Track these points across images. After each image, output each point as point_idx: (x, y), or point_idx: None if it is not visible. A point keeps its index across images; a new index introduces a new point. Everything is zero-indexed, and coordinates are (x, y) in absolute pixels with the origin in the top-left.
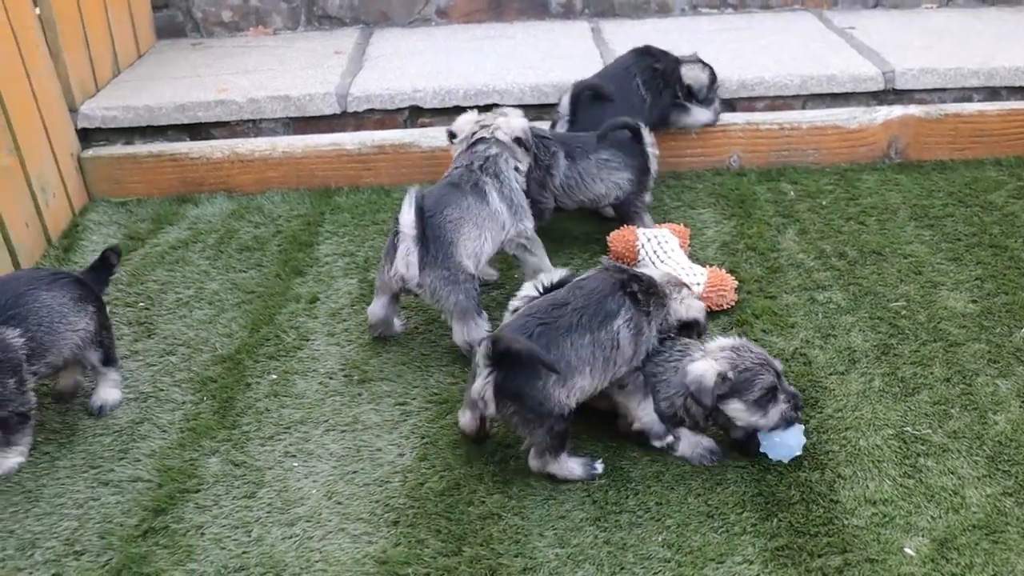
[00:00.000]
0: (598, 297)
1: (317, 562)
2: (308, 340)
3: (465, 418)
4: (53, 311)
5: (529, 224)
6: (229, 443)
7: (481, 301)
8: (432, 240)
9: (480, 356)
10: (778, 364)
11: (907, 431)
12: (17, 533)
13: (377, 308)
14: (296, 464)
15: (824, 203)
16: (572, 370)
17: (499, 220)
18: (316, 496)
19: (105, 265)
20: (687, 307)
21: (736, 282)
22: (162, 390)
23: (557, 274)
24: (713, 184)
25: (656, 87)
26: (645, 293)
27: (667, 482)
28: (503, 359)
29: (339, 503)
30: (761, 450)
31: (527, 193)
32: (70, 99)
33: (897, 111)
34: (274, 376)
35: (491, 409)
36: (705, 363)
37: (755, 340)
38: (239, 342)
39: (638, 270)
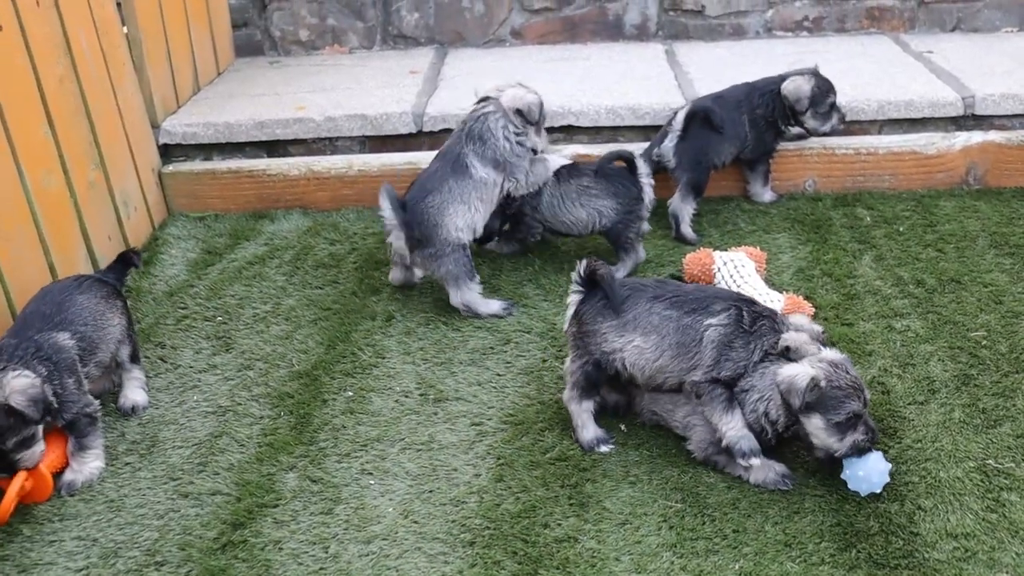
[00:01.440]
0: (708, 295)
1: None
2: (384, 358)
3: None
4: (92, 311)
5: (521, 177)
6: (306, 459)
7: (473, 265)
8: (416, 225)
9: (575, 274)
10: (868, 394)
11: (989, 464)
12: (100, 542)
13: (396, 274)
14: (372, 482)
15: (901, 229)
16: (633, 326)
17: (487, 185)
18: (392, 514)
19: (124, 263)
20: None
21: (813, 308)
22: (240, 404)
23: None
24: (788, 208)
25: (759, 127)
26: (753, 316)
27: (744, 510)
28: (592, 284)
29: (415, 522)
30: (842, 476)
31: (521, 209)
32: (152, 115)
33: (977, 137)
34: (350, 393)
35: (565, 325)
36: (801, 366)
37: None
38: (315, 358)
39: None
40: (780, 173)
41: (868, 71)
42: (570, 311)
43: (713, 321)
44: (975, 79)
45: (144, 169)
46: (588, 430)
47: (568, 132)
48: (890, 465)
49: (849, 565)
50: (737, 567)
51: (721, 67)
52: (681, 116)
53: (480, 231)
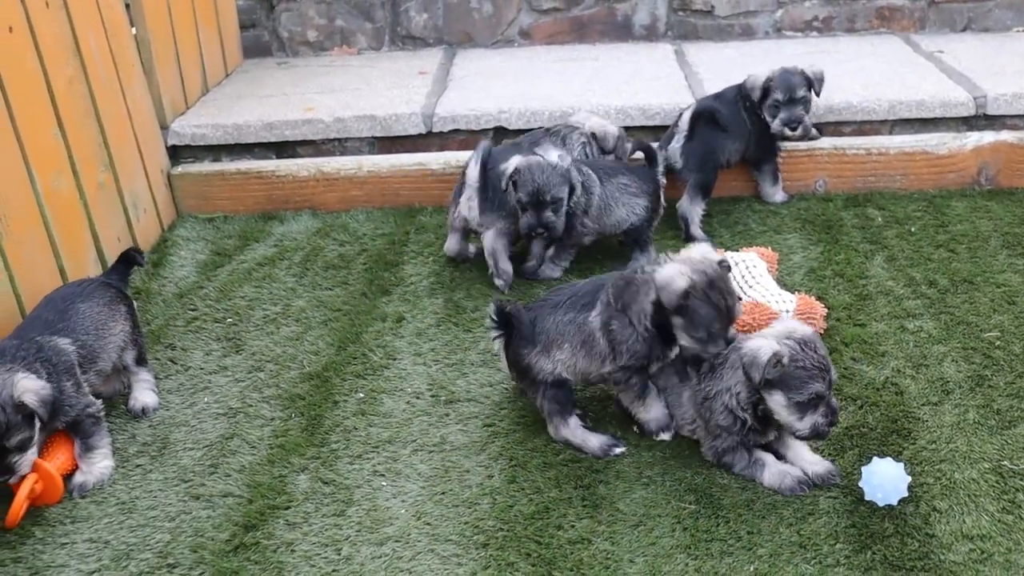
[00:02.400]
0: (597, 287)
1: None
2: (395, 359)
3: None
4: (94, 320)
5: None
6: (318, 460)
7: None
8: (491, 189)
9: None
10: (835, 374)
11: (1004, 465)
12: (112, 544)
13: (452, 243)
14: (385, 483)
15: (913, 230)
16: (551, 342)
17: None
18: (405, 516)
19: (128, 263)
20: (665, 275)
21: (825, 309)
22: (251, 406)
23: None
24: (799, 209)
25: (756, 124)
26: (621, 290)
27: (758, 511)
28: (505, 323)
29: (428, 524)
30: (860, 484)
31: (570, 221)
32: (161, 117)
33: (988, 137)
34: (361, 395)
35: (503, 364)
36: (766, 341)
37: (844, 368)
38: (326, 360)
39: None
40: (791, 173)
41: (879, 71)
42: (502, 356)
43: (593, 313)
44: (986, 79)
45: (153, 171)
46: (591, 441)
47: None
48: (908, 478)
49: (864, 567)
50: (752, 569)
51: (731, 67)
52: (687, 117)
53: None
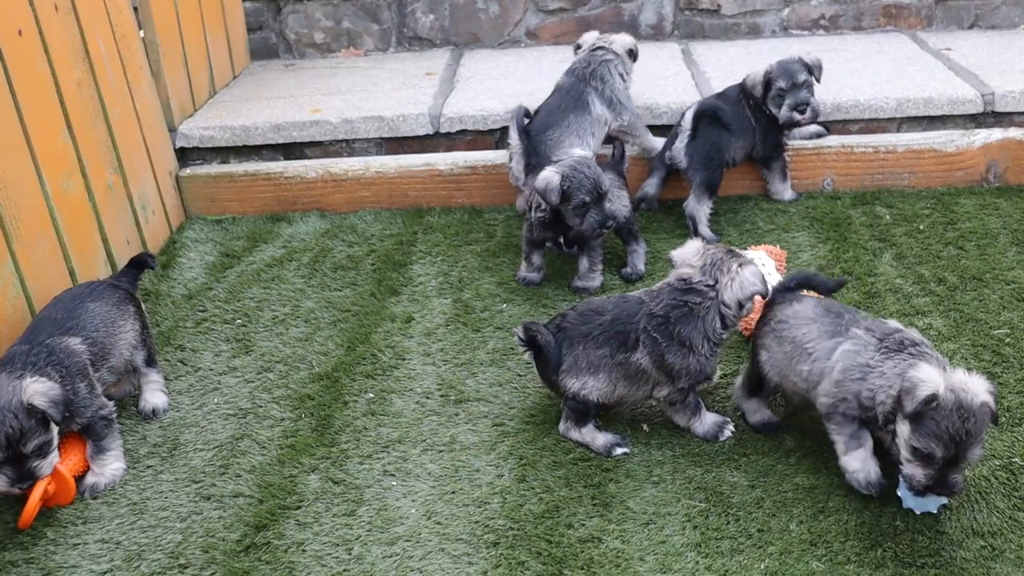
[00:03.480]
0: (624, 322)
1: None
2: (404, 359)
3: None
4: (104, 318)
5: (627, 117)
6: (328, 461)
7: None
8: (534, 154)
9: (516, 332)
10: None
11: (1015, 462)
12: (124, 544)
13: (521, 202)
14: (395, 483)
15: (921, 227)
16: (581, 370)
17: (602, 121)
18: (415, 516)
19: (138, 266)
20: (740, 285)
21: None
22: (260, 406)
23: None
24: (807, 207)
25: (762, 121)
26: (664, 326)
27: (768, 509)
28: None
29: (438, 523)
30: (898, 493)
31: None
32: (169, 119)
33: (997, 134)
34: (371, 395)
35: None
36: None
37: None
38: (335, 360)
39: (665, 287)
40: (798, 171)
41: (886, 69)
42: (529, 357)
43: (637, 355)
44: (994, 76)
45: (161, 173)
46: (598, 440)
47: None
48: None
49: (876, 564)
50: (763, 566)
51: (738, 66)
52: (689, 116)
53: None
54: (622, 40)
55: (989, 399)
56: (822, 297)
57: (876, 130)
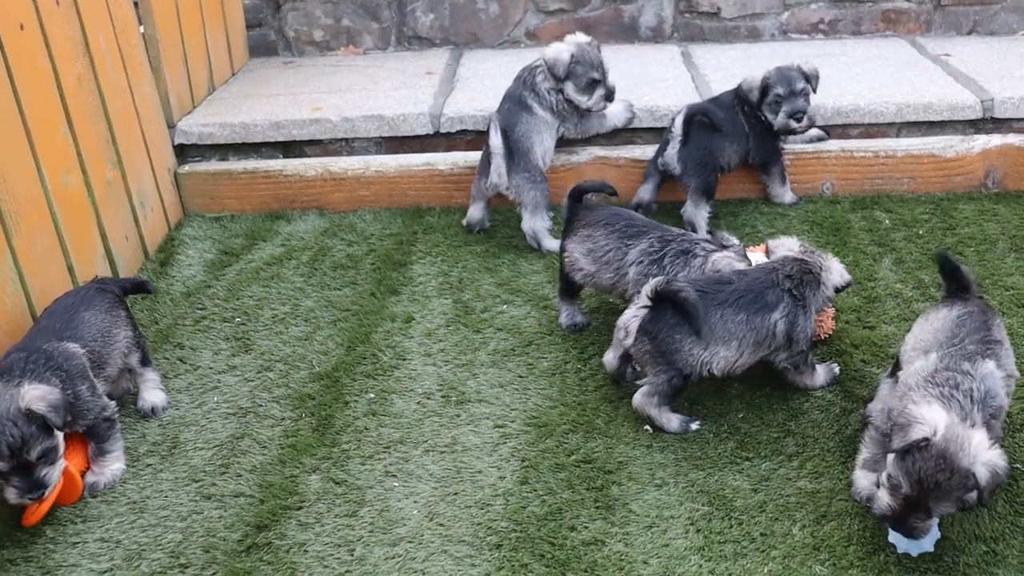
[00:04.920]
0: (760, 287)
1: None
2: (405, 359)
3: (608, 357)
4: (99, 328)
5: (570, 126)
6: (329, 461)
7: (550, 200)
8: (515, 152)
9: (644, 290)
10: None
11: (1017, 467)
12: (124, 544)
13: (475, 212)
14: (396, 484)
15: (920, 232)
16: (716, 338)
17: (547, 123)
18: (417, 517)
19: (137, 287)
20: (840, 272)
21: (834, 311)
22: (261, 406)
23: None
24: (806, 211)
25: (755, 127)
26: (799, 286)
27: (771, 513)
28: (662, 301)
29: (441, 524)
30: (890, 540)
31: None
32: (168, 115)
33: (996, 140)
34: (371, 395)
35: (630, 340)
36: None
37: (854, 371)
38: (336, 360)
39: (783, 256)
40: (798, 175)
41: (885, 74)
42: (633, 326)
43: (776, 315)
44: (993, 82)
45: (160, 169)
46: (673, 421)
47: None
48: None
49: (879, 569)
50: (766, 570)
51: (737, 69)
52: (679, 121)
53: (549, 160)
54: (550, 50)
55: (982, 470)
56: None
57: (876, 135)
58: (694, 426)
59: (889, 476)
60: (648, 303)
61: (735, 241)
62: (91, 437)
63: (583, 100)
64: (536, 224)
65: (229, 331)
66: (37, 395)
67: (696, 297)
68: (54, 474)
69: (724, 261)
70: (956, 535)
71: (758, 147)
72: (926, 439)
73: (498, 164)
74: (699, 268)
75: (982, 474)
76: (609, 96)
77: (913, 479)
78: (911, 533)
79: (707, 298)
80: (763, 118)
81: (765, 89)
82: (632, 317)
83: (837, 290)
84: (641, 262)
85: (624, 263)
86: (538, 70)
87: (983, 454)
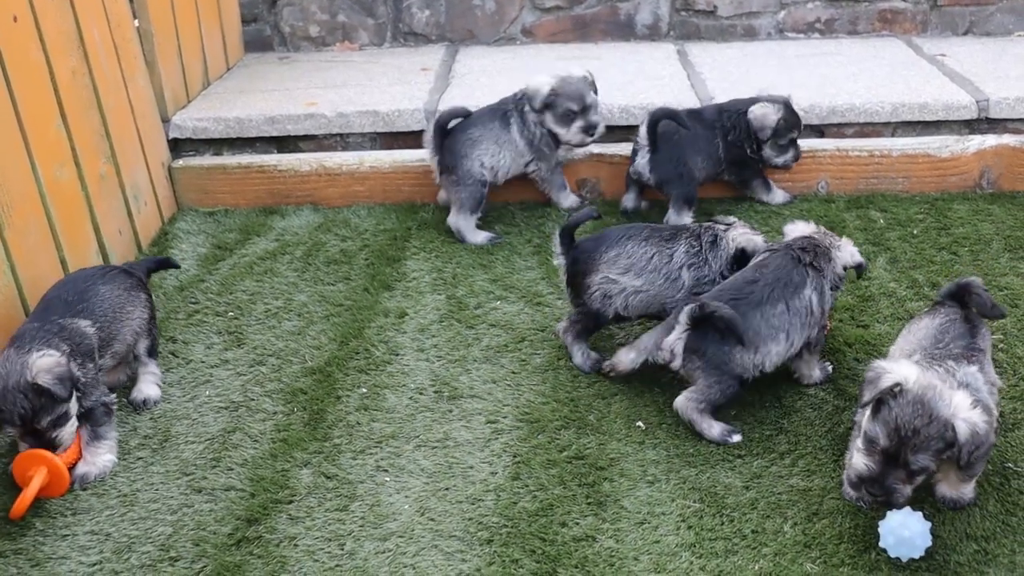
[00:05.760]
0: (785, 272)
1: None
2: (397, 355)
3: (629, 357)
4: (113, 303)
5: (543, 165)
6: (320, 455)
7: (482, 202)
8: (448, 152)
9: (681, 317)
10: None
11: (1008, 467)
12: (113, 536)
13: (442, 195)
14: (388, 479)
15: (915, 232)
16: (764, 338)
17: (517, 148)
18: (408, 512)
19: (161, 264)
20: (851, 253)
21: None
22: (253, 400)
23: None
24: (801, 210)
25: (733, 153)
26: (816, 258)
27: (763, 510)
28: (701, 322)
29: (431, 519)
30: (881, 545)
31: None
32: (163, 109)
33: (991, 140)
34: (364, 390)
35: (677, 362)
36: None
37: (848, 369)
38: (328, 355)
39: (797, 235)
40: (793, 175)
41: (881, 73)
42: (679, 348)
43: (807, 290)
44: (989, 82)
45: (154, 163)
46: (715, 428)
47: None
48: (929, 523)
49: (869, 567)
50: (757, 567)
51: (733, 68)
52: (643, 130)
53: (501, 176)
54: (531, 83)
55: (963, 425)
56: None
57: (871, 134)
58: (736, 438)
59: (864, 434)
60: (688, 326)
61: (733, 219)
62: (88, 422)
63: (561, 132)
64: (460, 223)
65: (222, 325)
66: (44, 367)
67: (730, 310)
68: (65, 433)
69: (743, 238)
70: (947, 534)
71: (734, 172)
72: (898, 384)
73: (430, 156)
74: (725, 250)
75: (962, 429)
76: (589, 130)
77: (890, 427)
78: (890, 498)
79: (742, 303)
80: (754, 151)
81: (778, 131)
82: (676, 339)
83: (847, 269)
84: (692, 265)
85: (672, 267)
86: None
87: (963, 411)
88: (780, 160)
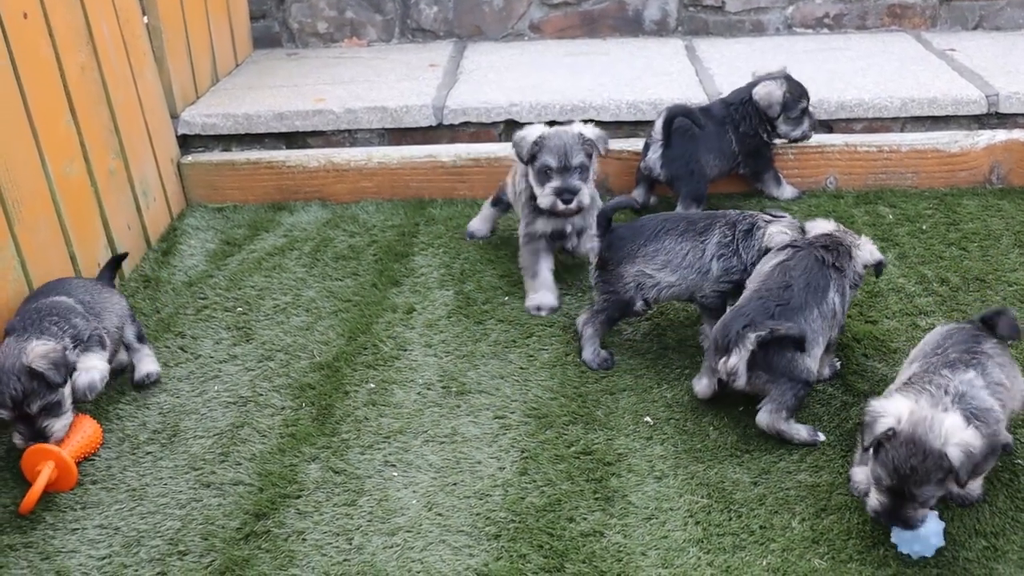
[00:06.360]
0: (813, 276)
1: (418, 573)
2: (405, 350)
3: (701, 385)
4: (89, 288)
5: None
6: (329, 450)
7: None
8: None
9: (746, 342)
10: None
11: (1018, 463)
12: (123, 530)
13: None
14: (396, 474)
15: (924, 227)
16: (811, 342)
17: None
18: (416, 506)
19: (114, 264)
20: (870, 251)
21: None
22: (261, 395)
23: None
24: (809, 206)
25: (747, 145)
26: (838, 258)
27: (771, 506)
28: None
29: (439, 514)
30: (892, 539)
31: None
32: (172, 106)
33: (1001, 135)
34: (372, 385)
35: (742, 381)
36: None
37: (856, 365)
38: (336, 350)
39: (817, 234)
40: (801, 170)
41: (890, 68)
42: (742, 369)
43: (832, 292)
44: (999, 77)
45: (163, 159)
46: (803, 431)
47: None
48: (943, 524)
49: (878, 563)
50: (765, 563)
51: (741, 63)
52: (659, 125)
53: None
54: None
55: (955, 451)
56: None
57: (880, 129)
58: (821, 436)
59: (872, 473)
60: (752, 348)
61: (785, 215)
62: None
63: (537, 190)
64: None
65: (230, 320)
66: (39, 352)
67: (797, 327)
68: (56, 426)
69: (779, 236)
70: (956, 530)
71: (749, 163)
72: (891, 429)
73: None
74: (760, 239)
75: (955, 455)
76: (560, 193)
77: (890, 469)
78: (908, 523)
79: (787, 310)
80: (764, 134)
81: (787, 104)
82: (739, 361)
83: (866, 268)
84: (721, 256)
85: (704, 260)
86: None
87: (955, 435)
88: (798, 132)
